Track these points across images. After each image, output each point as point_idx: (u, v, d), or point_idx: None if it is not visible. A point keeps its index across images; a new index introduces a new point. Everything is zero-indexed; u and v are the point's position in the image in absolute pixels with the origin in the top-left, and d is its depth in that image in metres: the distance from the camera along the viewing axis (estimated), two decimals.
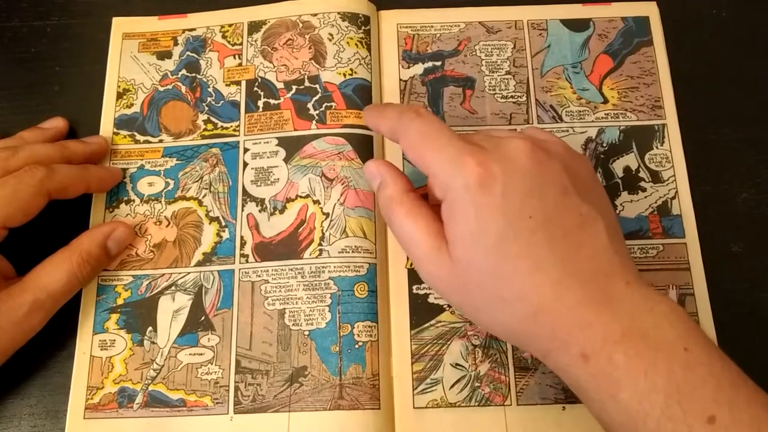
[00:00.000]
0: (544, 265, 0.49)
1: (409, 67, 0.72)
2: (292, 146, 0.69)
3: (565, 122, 0.70)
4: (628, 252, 0.54)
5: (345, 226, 0.65)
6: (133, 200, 0.68)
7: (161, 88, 0.72)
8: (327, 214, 0.66)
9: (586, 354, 0.47)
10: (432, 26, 0.74)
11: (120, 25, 0.75)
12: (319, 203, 0.66)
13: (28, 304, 0.58)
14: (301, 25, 0.73)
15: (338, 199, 0.66)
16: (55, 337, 0.63)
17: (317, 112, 0.70)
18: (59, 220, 0.65)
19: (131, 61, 0.73)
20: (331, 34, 0.72)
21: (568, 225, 0.50)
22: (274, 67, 0.72)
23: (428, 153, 0.54)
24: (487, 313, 0.52)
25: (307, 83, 0.71)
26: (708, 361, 0.46)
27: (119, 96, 0.72)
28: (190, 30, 0.74)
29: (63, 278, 0.60)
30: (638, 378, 0.45)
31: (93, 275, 0.64)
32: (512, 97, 0.71)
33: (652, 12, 0.74)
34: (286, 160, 0.68)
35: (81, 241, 0.63)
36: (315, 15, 0.73)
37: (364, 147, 0.68)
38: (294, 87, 0.71)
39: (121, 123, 0.71)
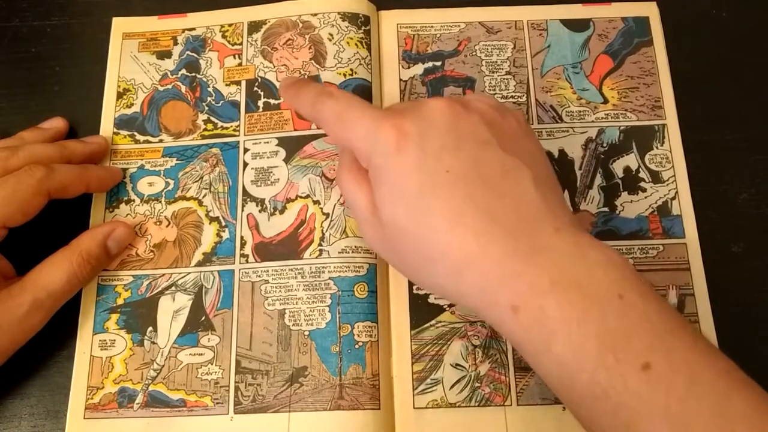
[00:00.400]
0: (465, 219, 0.48)
1: (409, 67, 0.72)
2: (292, 146, 0.69)
3: (565, 122, 0.70)
4: (561, 200, 0.53)
5: (345, 227, 0.65)
6: (133, 200, 0.68)
7: (161, 88, 0.72)
8: (327, 215, 0.66)
9: (516, 306, 0.46)
10: (432, 26, 0.74)
11: (120, 24, 0.75)
12: (320, 203, 0.66)
13: (28, 303, 0.58)
14: (301, 25, 0.73)
15: (338, 200, 0.66)
16: (55, 337, 0.63)
17: None
18: (59, 220, 0.65)
19: (131, 60, 0.73)
20: (331, 34, 0.72)
21: (489, 176, 0.49)
22: (274, 67, 0.72)
23: (346, 131, 0.54)
24: (422, 273, 0.52)
25: None
26: (643, 307, 0.45)
27: (119, 96, 0.72)
28: (190, 30, 0.74)
29: (63, 278, 0.60)
30: (570, 327, 0.44)
31: (93, 275, 0.64)
32: (512, 97, 0.71)
33: (652, 12, 0.74)
34: (286, 160, 0.68)
35: (81, 241, 0.63)
36: (315, 15, 0.73)
37: None
38: None
39: (121, 123, 0.71)
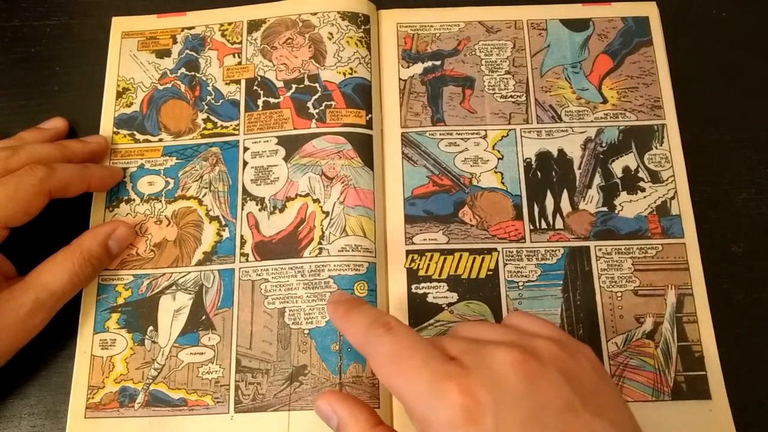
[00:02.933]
0: None
1: (408, 67, 0.73)
2: (291, 145, 0.69)
3: (565, 122, 0.71)
4: None
5: (345, 225, 0.66)
6: (134, 199, 0.69)
7: (160, 87, 0.73)
8: (327, 213, 0.66)
9: None
10: (432, 26, 0.74)
11: (119, 23, 0.75)
12: (319, 202, 0.67)
13: (30, 303, 0.58)
14: (300, 24, 0.73)
15: (338, 198, 0.67)
16: (55, 337, 0.64)
17: (317, 111, 0.70)
18: (60, 220, 0.66)
19: (130, 59, 0.74)
20: (331, 33, 0.72)
21: None
22: (274, 65, 0.72)
23: (400, 379, 0.45)
24: None
25: (306, 82, 0.71)
26: None
27: (119, 95, 0.72)
28: (189, 28, 0.75)
29: (64, 277, 0.60)
30: None
31: (94, 274, 0.65)
32: (512, 96, 0.72)
33: (652, 12, 0.74)
34: (286, 158, 0.69)
35: (82, 241, 0.63)
36: (315, 14, 0.73)
37: (364, 146, 0.69)
38: (294, 86, 0.71)
39: (121, 122, 0.71)
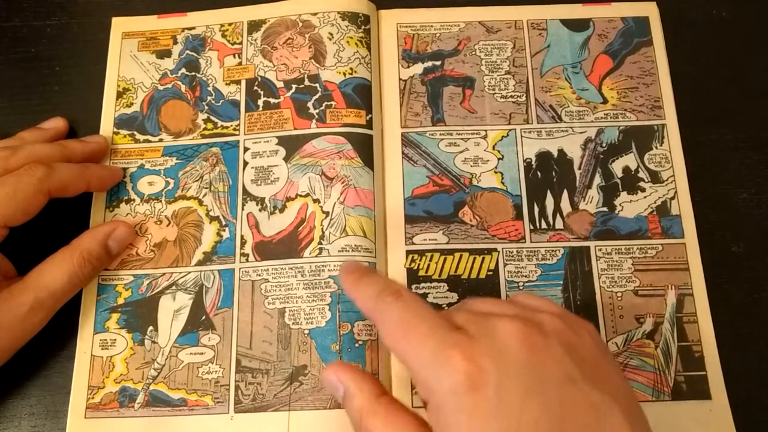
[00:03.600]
0: None
1: (408, 67, 0.73)
2: (292, 145, 0.69)
3: (565, 122, 0.71)
4: None
5: (345, 225, 0.66)
6: (134, 200, 0.69)
7: (161, 87, 0.73)
8: (327, 213, 0.66)
9: None
10: (432, 26, 0.74)
11: (119, 24, 0.75)
12: (319, 202, 0.67)
13: (30, 302, 0.58)
14: (300, 24, 0.73)
15: (338, 198, 0.67)
16: (55, 337, 0.64)
17: (317, 111, 0.70)
18: (59, 220, 0.66)
19: (131, 60, 0.74)
20: (331, 34, 0.73)
21: (581, 422, 0.42)
22: (274, 66, 0.72)
23: (407, 345, 0.46)
24: None
25: (306, 82, 0.71)
26: None
27: (119, 95, 0.72)
28: (190, 29, 0.75)
29: (64, 277, 0.60)
30: None
31: (94, 274, 0.65)
32: (512, 96, 0.72)
33: (652, 12, 0.74)
34: (286, 159, 0.69)
35: (82, 241, 0.63)
36: (315, 14, 0.73)
37: (364, 146, 0.69)
38: (294, 86, 0.71)
39: (121, 122, 0.72)
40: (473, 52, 0.73)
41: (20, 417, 0.63)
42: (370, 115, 0.70)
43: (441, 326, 0.46)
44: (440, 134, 0.71)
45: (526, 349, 0.43)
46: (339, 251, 0.65)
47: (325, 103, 0.70)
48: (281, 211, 0.67)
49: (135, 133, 0.71)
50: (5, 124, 0.72)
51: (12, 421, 0.63)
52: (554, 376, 0.43)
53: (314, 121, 0.70)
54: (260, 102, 0.71)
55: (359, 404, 0.48)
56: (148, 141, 0.71)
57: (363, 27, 0.73)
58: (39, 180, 0.60)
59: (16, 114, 0.73)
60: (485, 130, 0.71)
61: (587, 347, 0.46)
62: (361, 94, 0.70)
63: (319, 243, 0.65)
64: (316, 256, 0.65)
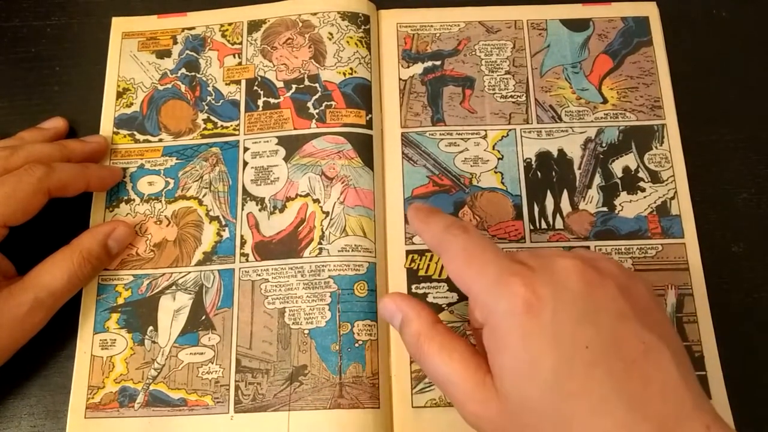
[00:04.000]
0: (608, 406, 0.43)
1: (408, 67, 0.73)
2: (291, 145, 0.69)
3: (565, 122, 0.71)
4: (699, 384, 0.46)
5: (345, 225, 0.66)
6: (133, 199, 0.69)
7: (161, 87, 0.73)
8: (327, 213, 0.66)
9: None
10: (432, 26, 0.74)
11: (119, 24, 0.75)
12: (319, 202, 0.67)
13: (29, 302, 0.58)
14: (300, 24, 0.73)
15: (338, 198, 0.67)
16: (55, 337, 0.64)
17: (317, 111, 0.70)
18: (59, 220, 0.66)
19: (131, 60, 0.74)
20: (331, 33, 0.73)
21: (629, 355, 0.44)
22: (274, 66, 0.72)
23: (470, 271, 0.49)
24: None
25: (306, 82, 0.72)
26: None
27: (119, 95, 0.72)
28: (190, 29, 0.75)
29: (64, 277, 0.60)
30: None
31: (94, 274, 0.65)
32: (512, 96, 0.72)
33: (652, 12, 0.74)
34: (286, 159, 0.69)
35: (82, 240, 0.63)
36: (315, 14, 0.74)
37: (364, 146, 0.69)
38: (294, 86, 0.71)
39: (121, 122, 0.72)
40: (473, 52, 0.73)
41: (20, 417, 0.63)
42: (370, 115, 0.70)
43: (503, 257, 0.49)
44: (440, 134, 0.71)
45: (583, 283, 0.46)
46: (339, 251, 0.65)
47: (325, 103, 0.70)
48: (281, 211, 0.67)
49: (135, 133, 0.71)
50: (5, 124, 0.72)
51: (12, 421, 0.63)
52: (608, 310, 0.46)
53: (314, 121, 0.70)
54: (260, 102, 0.71)
55: (417, 329, 0.52)
56: (148, 141, 0.71)
57: (363, 27, 0.73)
58: (39, 179, 0.60)
59: (16, 114, 0.73)
60: (485, 130, 0.71)
61: (641, 294, 0.49)
62: (361, 94, 0.71)
63: (319, 243, 0.65)
64: (316, 256, 0.65)
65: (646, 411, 0.42)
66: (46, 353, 0.64)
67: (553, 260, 0.48)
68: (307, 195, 0.67)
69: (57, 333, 0.64)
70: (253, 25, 0.74)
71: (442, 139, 0.70)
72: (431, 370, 0.51)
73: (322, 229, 0.66)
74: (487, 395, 0.47)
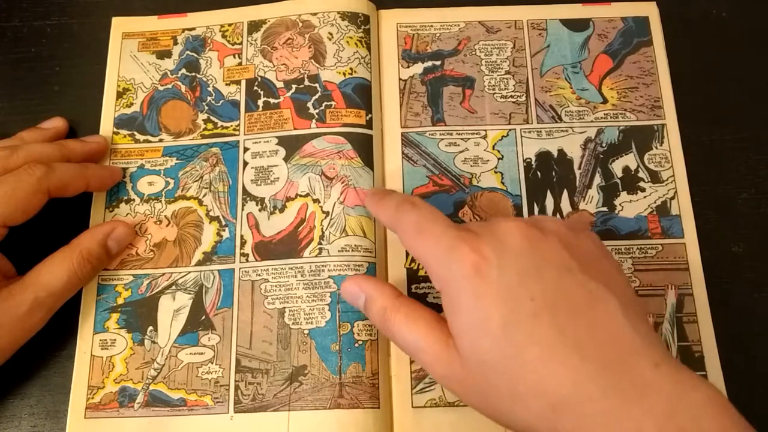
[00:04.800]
0: (556, 352, 0.45)
1: (408, 67, 0.73)
2: (291, 145, 0.69)
3: (565, 122, 0.71)
4: (651, 328, 0.48)
5: (345, 225, 0.66)
6: (133, 199, 0.69)
7: (161, 88, 0.73)
8: (327, 213, 0.67)
9: None
10: (432, 26, 0.74)
11: (119, 24, 0.75)
12: (319, 202, 0.67)
13: (29, 302, 0.58)
14: (300, 24, 0.74)
15: (338, 198, 0.67)
16: (55, 337, 0.64)
17: (317, 111, 0.70)
18: (59, 220, 0.66)
19: (131, 60, 0.74)
20: (331, 33, 0.73)
21: (576, 304, 0.47)
22: (274, 66, 0.73)
23: (423, 243, 0.53)
24: (507, 412, 0.48)
25: (306, 82, 0.72)
26: None
27: (119, 95, 0.73)
28: (190, 29, 0.75)
29: (63, 277, 0.60)
30: None
31: (93, 274, 0.65)
32: (512, 96, 0.72)
33: (652, 12, 0.74)
34: (286, 159, 0.69)
35: (81, 240, 0.63)
36: (315, 14, 0.74)
37: (364, 146, 0.69)
38: (294, 86, 0.72)
39: (121, 122, 0.72)
40: (473, 52, 0.73)
41: (20, 417, 0.63)
42: (370, 115, 0.70)
43: (452, 226, 0.53)
44: (440, 134, 0.71)
45: (526, 241, 0.50)
46: (339, 251, 0.65)
47: (325, 103, 0.71)
48: (281, 211, 0.67)
49: (135, 133, 0.71)
50: (5, 124, 0.72)
51: (12, 421, 0.63)
52: (551, 264, 0.49)
53: (314, 121, 0.70)
54: (260, 102, 0.72)
55: (382, 304, 0.56)
56: (148, 141, 0.71)
57: (363, 27, 0.73)
58: (38, 179, 0.60)
59: (16, 114, 0.73)
60: (485, 130, 0.71)
61: (587, 248, 0.52)
62: (361, 94, 0.71)
63: (319, 243, 0.66)
64: (316, 256, 0.65)
65: (592, 354, 0.45)
66: (46, 353, 0.64)
67: (498, 224, 0.52)
68: (307, 195, 0.67)
69: (57, 333, 0.64)
70: (254, 26, 0.75)
71: (442, 139, 0.71)
72: (400, 339, 0.54)
73: (322, 229, 0.66)
74: (451, 356, 0.50)
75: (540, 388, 0.45)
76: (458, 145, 0.71)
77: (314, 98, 0.71)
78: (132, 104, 0.72)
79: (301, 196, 0.68)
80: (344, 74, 0.71)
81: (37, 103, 0.73)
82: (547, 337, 0.46)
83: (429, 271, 0.53)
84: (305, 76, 0.72)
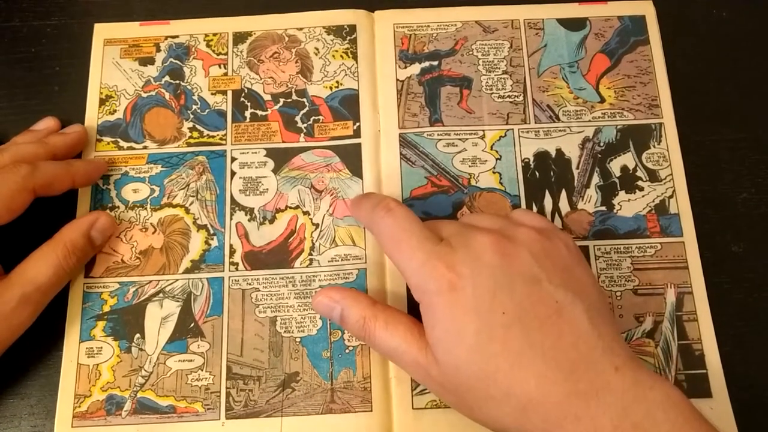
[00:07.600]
0: (525, 360, 0.57)
1: (405, 67, 0.83)
2: (280, 158, 0.80)
3: (562, 122, 0.80)
4: (616, 332, 0.60)
5: (334, 236, 0.77)
6: (118, 207, 0.78)
7: (144, 95, 0.83)
8: (317, 225, 0.77)
9: None
10: (428, 26, 0.85)
11: (101, 31, 0.85)
12: (309, 214, 0.77)
13: (16, 298, 0.67)
14: (287, 38, 0.85)
15: (327, 210, 0.77)
16: (55, 337, 0.73)
17: (305, 125, 0.81)
18: (45, 218, 0.74)
19: (113, 67, 0.84)
20: (317, 48, 0.84)
21: (543, 314, 0.58)
22: (261, 78, 0.83)
23: (399, 257, 0.64)
24: (481, 411, 0.60)
25: (294, 96, 0.82)
26: None
27: (101, 102, 0.82)
28: (173, 37, 0.85)
29: (49, 270, 0.69)
30: None
31: (79, 266, 0.73)
32: (509, 96, 0.82)
33: (649, 11, 0.85)
34: (275, 171, 0.79)
35: (65, 233, 0.71)
36: (300, 29, 0.85)
37: (352, 156, 0.80)
38: (282, 100, 0.82)
39: (104, 129, 0.81)
40: (470, 52, 0.83)
41: (20, 417, 0.71)
42: (358, 123, 0.81)
43: (428, 239, 0.64)
44: (438, 135, 0.80)
45: (498, 255, 0.61)
46: (329, 261, 0.76)
47: (313, 117, 0.81)
48: (271, 222, 0.77)
49: (119, 140, 0.80)
50: (5, 124, 0.81)
51: (12, 421, 0.70)
52: (522, 277, 0.60)
53: (302, 135, 0.81)
54: (247, 113, 0.82)
55: (359, 312, 0.66)
56: (132, 148, 0.80)
57: (348, 38, 0.85)
58: (23, 177, 0.68)
59: (16, 114, 0.81)
60: (483, 131, 0.80)
61: (560, 255, 0.63)
62: (348, 105, 0.82)
63: (310, 254, 0.76)
64: (307, 267, 0.76)
65: (559, 360, 0.57)
66: (47, 353, 0.73)
67: (473, 237, 0.63)
68: (297, 207, 0.78)
69: (57, 333, 0.73)
70: (239, 37, 0.85)
71: (440, 139, 0.80)
72: (381, 345, 0.66)
73: (312, 240, 0.76)
74: (429, 360, 0.62)
75: (510, 392, 0.57)
76: (456, 145, 0.80)
77: (302, 113, 0.82)
78: (115, 111, 0.82)
79: (291, 208, 0.78)
80: (331, 88, 0.83)
81: (37, 103, 0.82)
82: (518, 346, 0.57)
83: (407, 281, 0.64)
84: (293, 90, 0.83)
